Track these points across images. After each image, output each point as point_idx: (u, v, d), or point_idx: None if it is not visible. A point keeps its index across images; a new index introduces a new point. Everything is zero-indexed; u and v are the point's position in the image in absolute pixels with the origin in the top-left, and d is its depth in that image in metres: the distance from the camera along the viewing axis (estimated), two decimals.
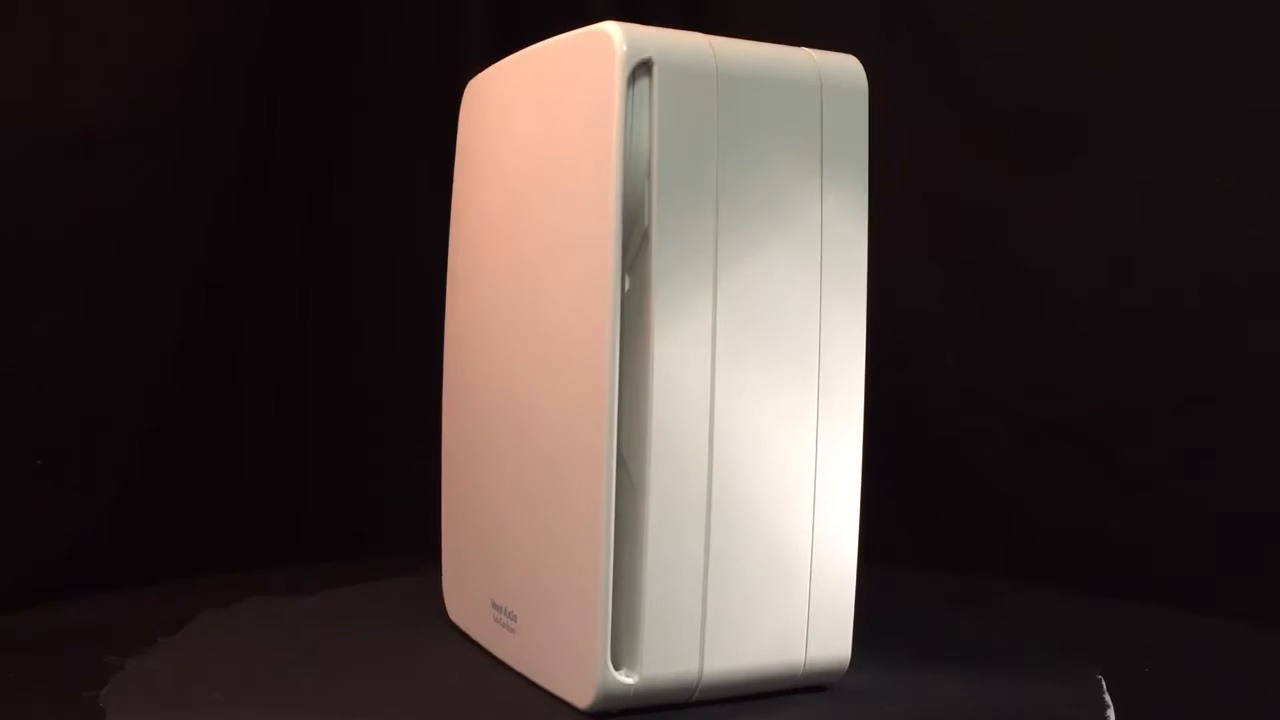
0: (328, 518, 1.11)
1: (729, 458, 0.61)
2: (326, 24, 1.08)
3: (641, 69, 0.58)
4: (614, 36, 0.58)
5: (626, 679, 0.59)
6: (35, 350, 0.90)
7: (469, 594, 0.73)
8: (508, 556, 0.67)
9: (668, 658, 0.60)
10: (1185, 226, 0.94)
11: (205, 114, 0.98)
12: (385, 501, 1.08)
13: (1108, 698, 0.65)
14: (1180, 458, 0.94)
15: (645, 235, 0.59)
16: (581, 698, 0.59)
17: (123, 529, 0.95)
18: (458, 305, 0.75)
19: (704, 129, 0.60)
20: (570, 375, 0.61)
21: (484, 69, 0.73)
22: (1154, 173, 0.94)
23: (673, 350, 0.59)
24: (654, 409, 0.59)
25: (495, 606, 0.68)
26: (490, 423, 0.69)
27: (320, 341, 1.11)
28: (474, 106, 0.74)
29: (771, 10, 1.06)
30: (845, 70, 0.64)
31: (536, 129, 0.65)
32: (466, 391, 0.73)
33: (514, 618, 0.66)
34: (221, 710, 0.61)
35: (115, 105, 0.93)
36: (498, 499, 0.68)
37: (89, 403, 0.93)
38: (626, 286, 0.59)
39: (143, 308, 0.96)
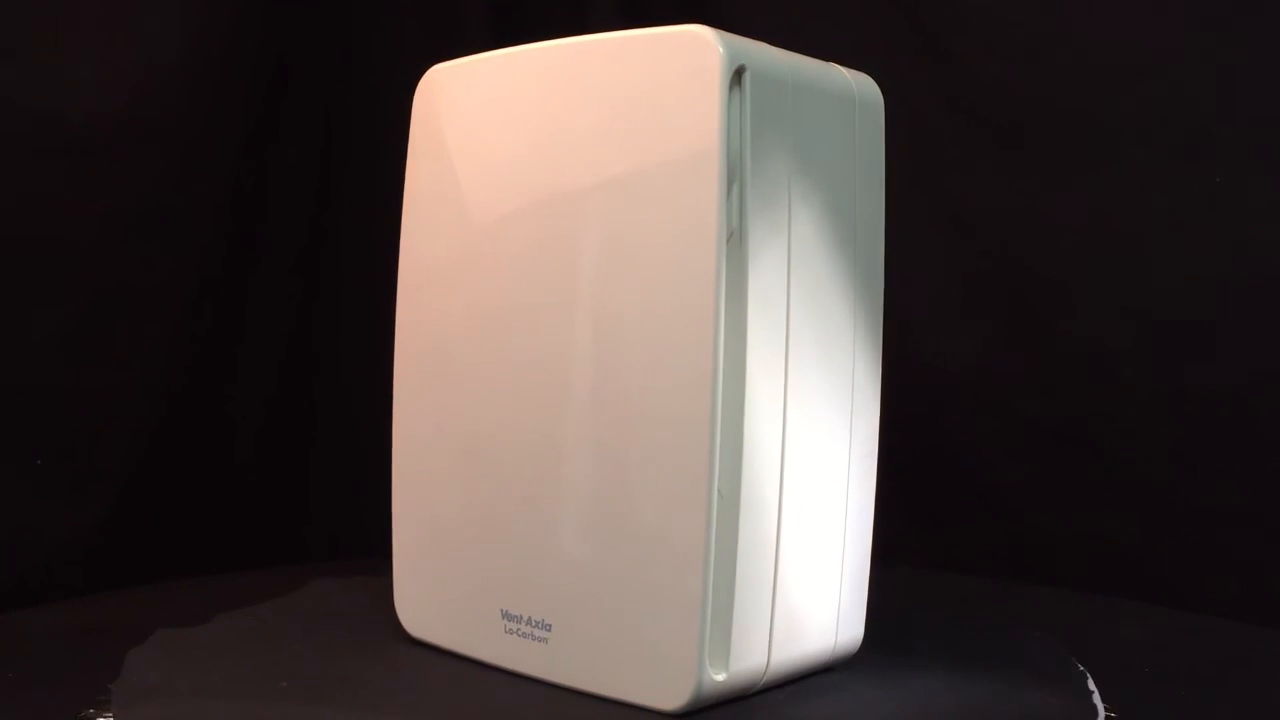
0: (328, 520, 1.11)
1: (794, 465, 0.63)
2: (327, 24, 1.09)
3: (734, 75, 0.59)
4: (713, 40, 0.59)
5: (718, 676, 0.60)
6: (35, 350, 0.90)
7: (453, 607, 0.69)
8: (540, 566, 0.65)
9: (747, 653, 0.62)
10: (1185, 226, 0.94)
11: (206, 115, 0.98)
12: (387, 506, 1.08)
13: (1098, 700, 0.65)
14: (1180, 458, 0.94)
15: (734, 237, 0.60)
16: (671, 699, 0.60)
17: (122, 529, 0.95)
18: (431, 303, 0.70)
19: (781, 136, 0.62)
20: (658, 381, 0.60)
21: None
22: (1154, 173, 0.94)
23: (761, 357, 0.61)
24: (746, 419, 0.60)
25: (510, 617, 0.66)
26: (507, 428, 0.66)
27: (322, 343, 1.11)
28: (446, 98, 0.70)
29: (771, 12, 1.06)
30: (867, 86, 0.68)
31: (591, 126, 0.63)
32: (451, 395, 0.69)
33: (547, 627, 0.64)
34: (223, 711, 0.61)
35: (116, 106, 0.93)
36: (523, 508, 0.65)
37: (89, 403, 0.93)
38: None
39: (143, 308, 0.96)
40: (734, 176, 0.59)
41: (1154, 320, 0.95)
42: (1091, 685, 0.66)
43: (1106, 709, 0.63)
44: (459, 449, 0.69)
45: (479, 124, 0.69)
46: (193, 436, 1.01)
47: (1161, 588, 0.92)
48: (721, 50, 0.59)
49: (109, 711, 0.59)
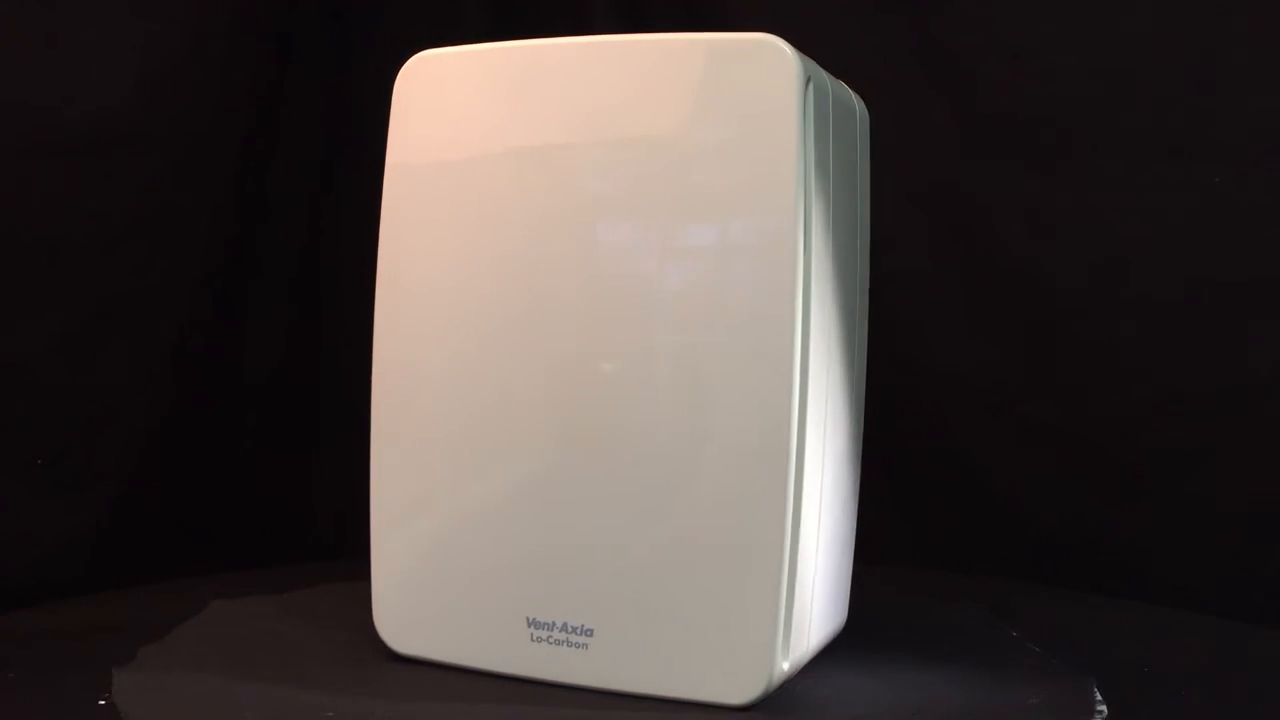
0: (331, 521, 1.11)
1: (830, 460, 0.66)
2: (326, 24, 1.09)
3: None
4: (788, 51, 0.61)
5: (784, 666, 0.62)
6: (36, 350, 0.90)
7: (458, 618, 0.67)
8: (578, 570, 0.64)
9: (800, 641, 0.64)
10: (1185, 226, 0.94)
11: (206, 114, 0.98)
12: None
13: (1099, 701, 0.65)
14: (1179, 458, 0.94)
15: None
16: (744, 693, 0.61)
17: (123, 529, 0.95)
18: (426, 283, 0.68)
19: (825, 146, 0.64)
20: (737, 384, 0.61)
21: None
22: (1153, 173, 0.94)
23: (817, 359, 0.63)
24: (809, 417, 0.62)
25: (539, 625, 0.65)
26: (531, 427, 0.65)
27: (322, 342, 1.11)
28: (439, 87, 0.68)
29: (771, 12, 1.06)
30: (861, 104, 0.72)
31: (646, 128, 0.63)
32: (451, 386, 0.67)
33: (588, 633, 0.64)
34: (223, 709, 0.61)
35: (116, 105, 0.93)
36: (556, 509, 0.64)
37: (89, 403, 0.93)
38: None
39: (144, 308, 0.96)
40: (803, 184, 0.61)
41: (1154, 320, 0.95)
42: (1093, 685, 0.67)
43: (1102, 708, 0.63)
44: (462, 445, 0.66)
45: (490, 117, 0.66)
46: (193, 437, 1.01)
47: (1161, 588, 0.92)
48: (796, 61, 0.61)
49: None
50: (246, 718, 0.60)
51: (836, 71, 0.71)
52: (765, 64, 0.61)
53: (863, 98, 0.73)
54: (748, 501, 0.61)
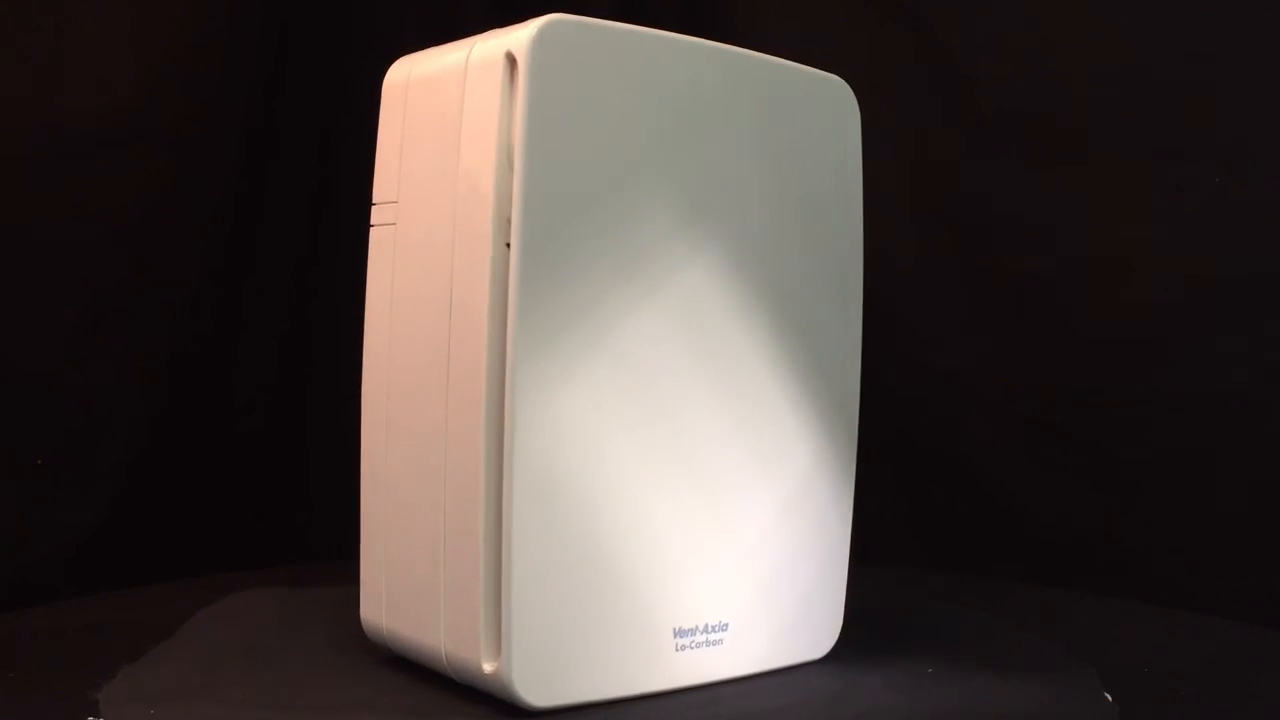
0: (325, 520, 1.11)
1: None
2: (326, 24, 1.09)
3: None
4: (852, 95, 0.70)
5: None
6: (35, 350, 0.90)
7: (604, 651, 0.62)
8: (716, 569, 0.65)
9: None
10: (1185, 226, 0.94)
11: (205, 115, 0.98)
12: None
13: (1108, 696, 0.65)
14: (1179, 458, 0.94)
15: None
16: (825, 646, 0.71)
17: (122, 529, 0.95)
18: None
19: None
20: (826, 393, 0.70)
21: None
22: (1154, 172, 0.94)
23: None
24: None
25: (683, 633, 0.64)
26: (661, 445, 0.63)
27: (320, 343, 1.11)
28: (579, 59, 0.61)
29: (772, 11, 1.06)
30: None
31: (735, 135, 0.66)
32: (598, 407, 0.61)
33: (724, 628, 0.65)
34: (221, 711, 0.61)
35: (115, 106, 0.93)
36: (698, 515, 0.64)
37: (89, 403, 0.93)
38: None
39: (142, 308, 0.96)
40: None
41: (1153, 320, 0.95)
42: (1096, 681, 0.67)
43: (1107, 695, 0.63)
44: (602, 476, 0.61)
45: (621, 98, 0.62)
46: (192, 436, 1.01)
47: (1161, 588, 0.92)
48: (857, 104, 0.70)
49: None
50: None
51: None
52: (835, 103, 0.70)
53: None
54: (834, 494, 0.70)
